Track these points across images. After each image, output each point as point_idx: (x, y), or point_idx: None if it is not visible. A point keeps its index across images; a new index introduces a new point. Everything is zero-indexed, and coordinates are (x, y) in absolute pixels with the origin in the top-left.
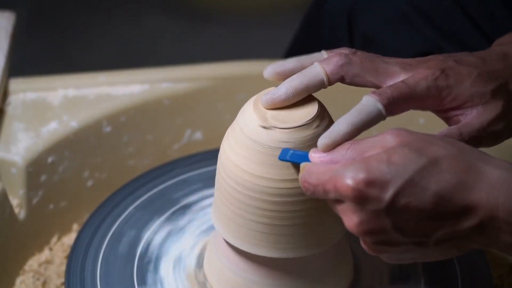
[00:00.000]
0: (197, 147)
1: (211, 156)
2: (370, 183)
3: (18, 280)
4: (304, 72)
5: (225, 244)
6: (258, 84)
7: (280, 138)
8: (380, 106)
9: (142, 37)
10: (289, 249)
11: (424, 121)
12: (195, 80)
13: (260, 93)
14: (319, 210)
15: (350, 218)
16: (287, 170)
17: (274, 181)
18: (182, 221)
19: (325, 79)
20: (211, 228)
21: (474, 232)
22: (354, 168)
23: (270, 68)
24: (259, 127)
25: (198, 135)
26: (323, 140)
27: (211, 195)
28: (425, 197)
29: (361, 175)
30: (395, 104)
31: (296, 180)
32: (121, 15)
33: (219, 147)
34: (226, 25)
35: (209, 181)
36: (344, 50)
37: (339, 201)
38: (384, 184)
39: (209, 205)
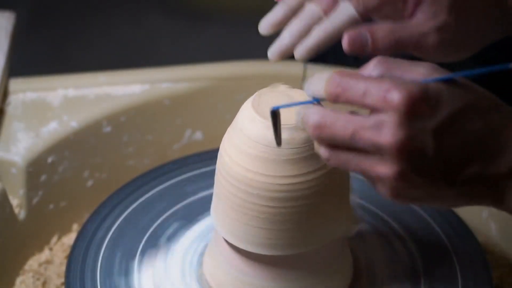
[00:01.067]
0: (197, 147)
1: (211, 156)
2: (427, 98)
3: (18, 280)
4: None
5: (224, 243)
6: (258, 84)
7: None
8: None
9: (142, 37)
10: (289, 246)
11: None
12: (195, 80)
13: (259, 92)
14: (319, 207)
15: (392, 133)
16: (286, 167)
17: (273, 178)
18: (183, 220)
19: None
20: (211, 228)
21: (505, 179)
22: (410, 83)
23: (264, 24)
24: (258, 126)
25: (198, 135)
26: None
27: (212, 195)
28: (476, 126)
29: (419, 88)
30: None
31: (295, 176)
32: (121, 15)
33: (219, 147)
34: (226, 25)
35: (209, 181)
36: None
37: (376, 110)
38: (440, 103)
39: (209, 205)
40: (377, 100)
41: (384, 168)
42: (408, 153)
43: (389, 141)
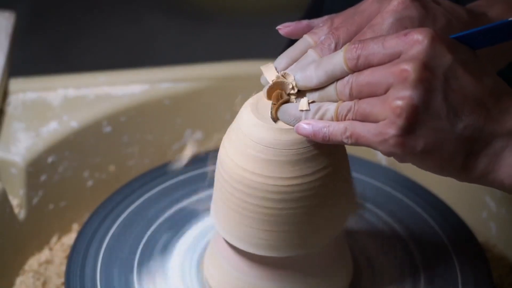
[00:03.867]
0: (197, 147)
1: (211, 156)
2: (443, 37)
3: (18, 280)
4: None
5: (225, 243)
6: (258, 84)
7: (280, 138)
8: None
9: (142, 37)
10: (289, 247)
11: None
12: (195, 80)
13: (259, 93)
14: (318, 209)
15: (415, 58)
16: (286, 168)
17: (273, 179)
18: (182, 221)
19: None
20: (211, 228)
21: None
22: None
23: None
24: (258, 128)
25: (198, 135)
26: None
27: (211, 195)
28: (482, 77)
29: (434, 29)
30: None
31: (295, 178)
32: (121, 15)
33: (219, 147)
34: (226, 25)
35: (209, 181)
36: (321, 23)
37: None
38: (452, 48)
39: (209, 205)
40: (397, 44)
41: (406, 65)
42: (422, 82)
43: (413, 65)
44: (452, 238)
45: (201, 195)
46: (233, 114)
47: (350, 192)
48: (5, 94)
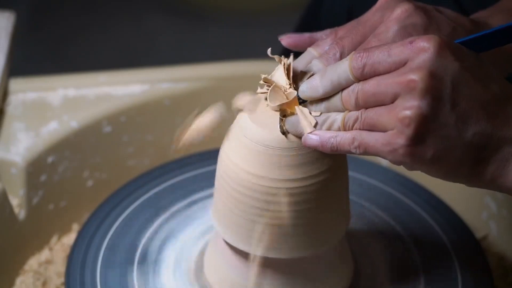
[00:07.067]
0: (197, 147)
1: (211, 156)
2: (450, 43)
3: (18, 280)
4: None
5: (225, 244)
6: (258, 84)
7: (281, 139)
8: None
9: (142, 37)
10: (289, 249)
11: None
12: (195, 80)
13: (259, 94)
14: (320, 211)
15: (422, 67)
16: (287, 170)
17: (274, 181)
18: (182, 221)
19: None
20: (211, 228)
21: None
22: (429, 34)
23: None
24: (258, 129)
25: None
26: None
27: (211, 195)
28: (489, 83)
29: (441, 36)
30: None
31: (297, 180)
32: (121, 15)
33: (219, 147)
34: (226, 25)
35: (209, 181)
36: (324, 35)
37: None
38: (460, 53)
39: (209, 205)
40: (403, 52)
41: (413, 75)
42: (430, 91)
43: (419, 74)
44: (452, 238)
45: (200, 194)
46: (233, 114)
47: (348, 197)
48: (5, 94)
